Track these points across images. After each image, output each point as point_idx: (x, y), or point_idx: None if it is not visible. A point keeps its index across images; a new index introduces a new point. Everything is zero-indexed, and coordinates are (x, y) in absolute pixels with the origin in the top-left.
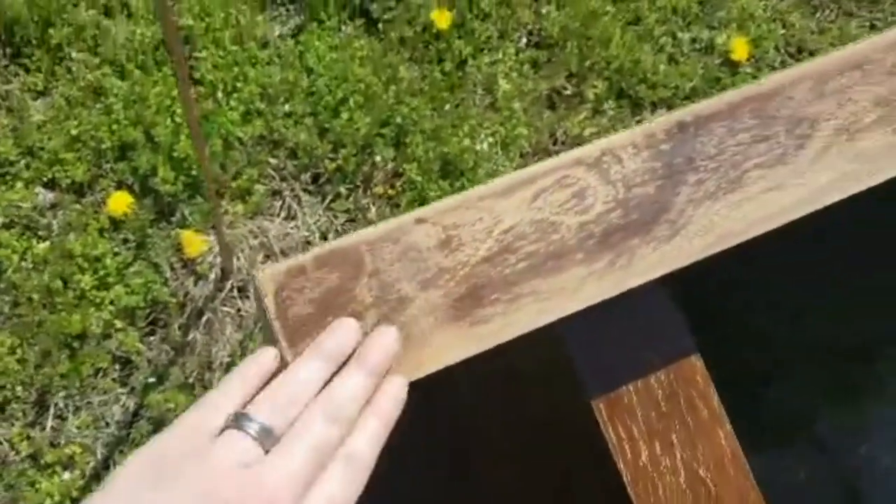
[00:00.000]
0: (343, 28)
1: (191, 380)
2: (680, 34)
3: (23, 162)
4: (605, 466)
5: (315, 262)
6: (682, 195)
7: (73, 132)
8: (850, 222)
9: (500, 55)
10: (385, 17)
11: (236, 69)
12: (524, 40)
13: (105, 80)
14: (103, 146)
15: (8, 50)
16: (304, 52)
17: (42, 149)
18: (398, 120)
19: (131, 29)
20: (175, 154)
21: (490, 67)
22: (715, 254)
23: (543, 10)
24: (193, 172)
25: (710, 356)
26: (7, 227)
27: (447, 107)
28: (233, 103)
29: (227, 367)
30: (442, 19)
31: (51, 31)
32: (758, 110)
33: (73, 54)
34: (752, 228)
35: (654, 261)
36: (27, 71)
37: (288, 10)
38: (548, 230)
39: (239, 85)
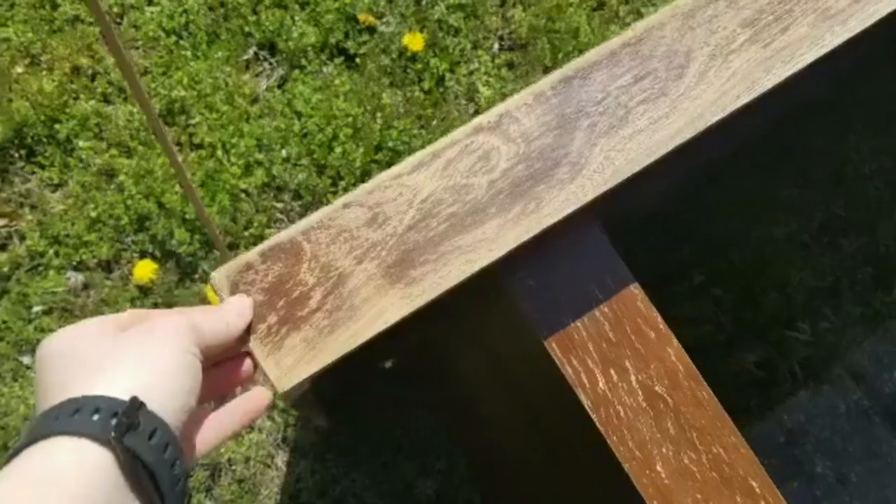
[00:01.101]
0: (324, 69)
1: None
2: (644, 9)
3: (51, 251)
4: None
5: (261, 257)
6: (577, 140)
7: (93, 214)
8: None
9: (477, 64)
10: (361, 50)
11: (231, 127)
12: (496, 46)
13: (114, 162)
14: (122, 222)
15: (22, 151)
16: (292, 99)
17: (67, 235)
18: (389, 144)
19: (129, 109)
20: (187, 216)
21: (468, 78)
22: (619, 184)
23: (510, 14)
24: (206, 231)
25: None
26: (46, 313)
27: (434, 122)
28: (233, 159)
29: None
30: (415, 42)
31: (57, 126)
32: (634, 54)
33: (80, 144)
34: (646, 156)
35: (561, 201)
36: (42, 167)
37: (271, 64)
38: (462, 192)
39: (235, 141)
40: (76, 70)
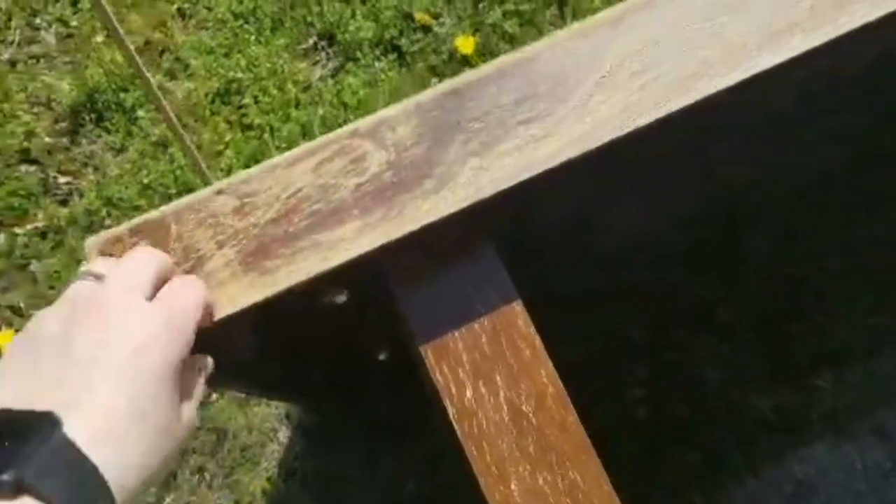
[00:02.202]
0: (376, 64)
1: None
2: None
3: (104, 211)
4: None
5: (130, 232)
6: (450, 154)
7: (145, 181)
8: None
9: None
10: (413, 48)
11: (280, 112)
12: None
13: (168, 134)
14: (170, 191)
15: (93, 115)
16: (341, 90)
17: (120, 198)
18: None
19: (188, 87)
20: None
21: None
22: (483, 199)
23: (568, 23)
24: None
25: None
26: None
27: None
28: (277, 142)
29: None
30: (466, 45)
31: (123, 95)
32: (524, 73)
33: (141, 114)
34: (515, 175)
35: (423, 211)
36: (108, 132)
37: (328, 54)
38: (329, 192)
39: (280, 125)
40: (148, 44)
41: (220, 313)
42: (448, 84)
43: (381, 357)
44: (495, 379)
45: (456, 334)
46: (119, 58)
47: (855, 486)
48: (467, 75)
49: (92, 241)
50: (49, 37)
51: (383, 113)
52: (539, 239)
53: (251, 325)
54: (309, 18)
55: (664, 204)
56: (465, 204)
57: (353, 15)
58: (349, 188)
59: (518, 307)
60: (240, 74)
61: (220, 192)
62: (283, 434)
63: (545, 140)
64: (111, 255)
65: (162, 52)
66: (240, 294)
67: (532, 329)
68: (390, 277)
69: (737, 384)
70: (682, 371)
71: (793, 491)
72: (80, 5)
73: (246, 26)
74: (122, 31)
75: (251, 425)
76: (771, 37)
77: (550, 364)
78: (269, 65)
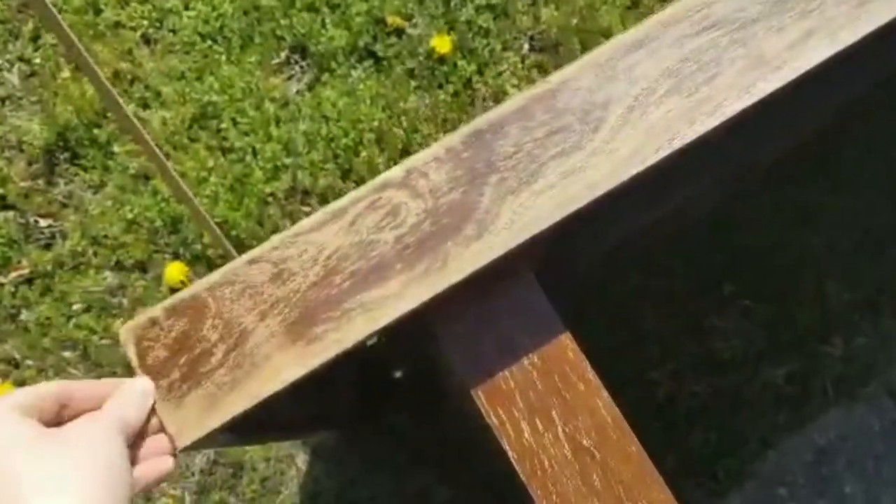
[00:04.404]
0: (352, 73)
1: None
2: None
3: (91, 251)
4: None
5: (166, 313)
6: (486, 195)
7: (129, 216)
8: None
9: (505, 66)
10: (388, 53)
11: (260, 132)
12: (527, 47)
13: (149, 165)
14: (155, 224)
15: (66, 154)
16: (320, 102)
17: (105, 236)
18: (413, 148)
19: (163, 115)
20: (215, 220)
21: (496, 80)
22: (527, 240)
23: (541, 13)
24: (234, 233)
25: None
26: (86, 311)
27: (461, 125)
28: (261, 163)
29: None
30: (443, 44)
31: (96, 131)
32: (549, 107)
33: (116, 148)
34: (555, 212)
35: (467, 258)
36: (85, 169)
37: (302, 67)
38: (367, 249)
39: (262, 146)
40: (116, 74)
41: (267, 390)
42: (473, 124)
43: (407, 377)
44: (552, 415)
45: (507, 373)
46: (89, 92)
47: (874, 448)
48: (491, 114)
49: (128, 328)
50: (12, 77)
51: (411, 160)
52: (577, 254)
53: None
54: (278, 32)
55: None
56: (510, 247)
57: (324, 24)
58: (388, 242)
59: (566, 339)
60: (214, 97)
61: (252, 261)
62: (301, 459)
63: (581, 172)
64: (150, 343)
65: (132, 81)
66: (288, 366)
67: (583, 359)
68: (433, 321)
69: (749, 357)
70: (695, 348)
71: (813, 459)
72: (40, 41)
73: (215, 46)
74: (92, 61)
75: (268, 455)
76: (793, 45)
77: (606, 393)
78: (242, 84)
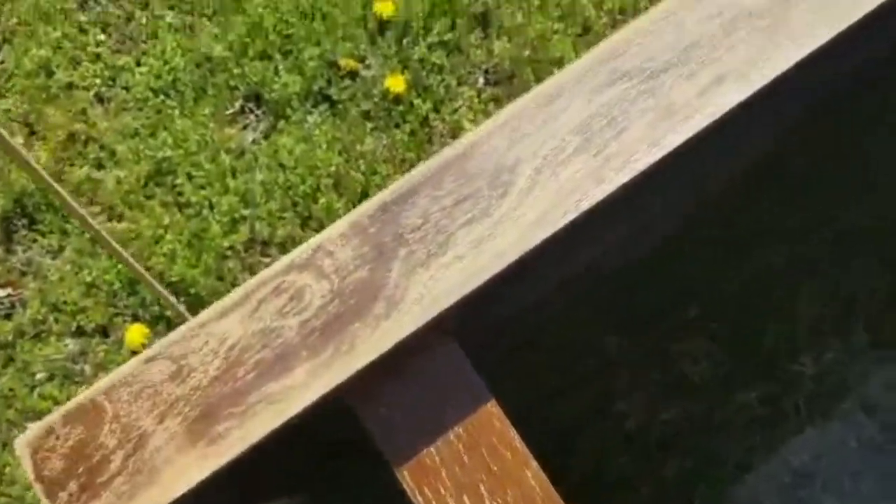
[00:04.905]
0: (308, 118)
1: None
2: None
3: (51, 318)
4: None
5: (62, 420)
6: (394, 271)
7: (88, 280)
8: None
9: (461, 102)
10: (343, 96)
11: (217, 185)
12: (482, 81)
13: (105, 227)
14: (114, 287)
15: (24, 220)
16: (276, 150)
17: (64, 302)
18: (372, 190)
19: (117, 175)
20: (173, 279)
21: (453, 116)
22: (438, 314)
23: (493, 46)
24: (193, 291)
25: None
26: (49, 380)
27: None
28: (218, 217)
29: None
30: (396, 84)
31: (50, 196)
32: (458, 172)
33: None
34: (466, 283)
35: (377, 339)
36: (43, 235)
37: (257, 116)
38: (271, 337)
39: (218, 199)
40: (71, 137)
41: (169, 495)
42: (379, 197)
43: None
44: (480, 490)
45: (432, 449)
46: (42, 157)
47: (851, 465)
48: (399, 184)
49: (24, 439)
50: None
51: (318, 238)
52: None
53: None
54: (231, 82)
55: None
56: (421, 323)
57: (277, 72)
58: (293, 328)
59: (493, 407)
60: (169, 153)
61: (150, 359)
62: None
63: (490, 241)
64: (47, 454)
65: (86, 142)
66: (190, 469)
67: (510, 428)
68: (353, 403)
69: (719, 380)
70: (663, 375)
71: (791, 481)
72: None
73: (167, 101)
74: (26, 154)
75: None
76: (703, 92)
77: (534, 462)
78: (197, 137)
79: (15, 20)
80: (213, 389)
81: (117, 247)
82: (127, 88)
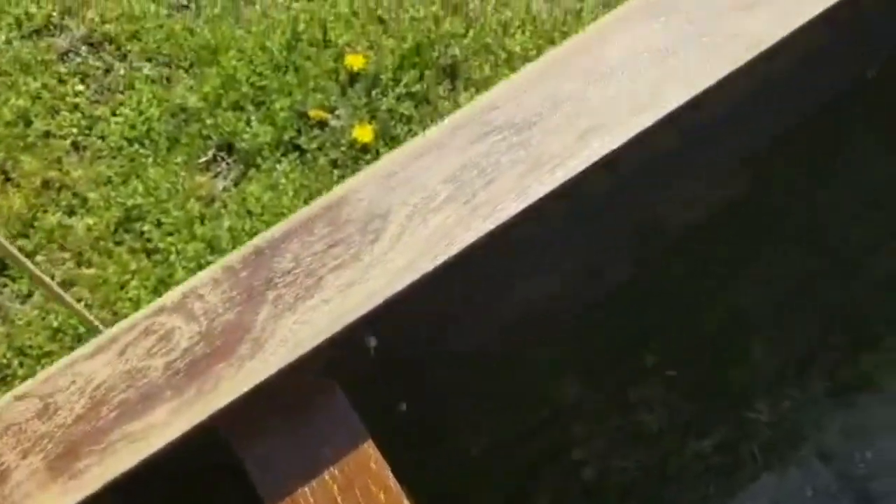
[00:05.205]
0: (277, 167)
1: None
2: None
3: (16, 362)
4: None
5: None
6: (262, 314)
7: (54, 325)
8: None
9: None
10: (312, 145)
11: (185, 231)
12: None
13: (73, 272)
14: (79, 331)
15: None
16: (245, 198)
17: (30, 346)
18: None
19: (87, 222)
20: None
21: None
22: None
23: (461, 99)
24: None
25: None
26: None
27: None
28: (184, 262)
29: None
30: (364, 134)
31: (22, 241)
32: (331, 219)
33: (39, 258)
34: (332, 325)
35: (240, 379)
36: (13, 280)
37: (228, 164)
38: (137, 377)
39: (183, 246)
40: (45, 184)
41: None
42: (253, 243)
43: None
44: None
45: (306, 489)
46: (15, 203)
47: None
48: (273, 230)
49: None
50: None
51: (190, 282)
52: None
53: None
54: (205, 132)
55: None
56: (285, 363)
57: (249, 122)
58: (158, 369)
59: (369, 448)
60: (139, 200)
61: (20, 397)
62: None
63: (358, 285)
64: None
65: (59, 189)
66: (50, 503)
67: (386, 469)
68: (230, 437)
69: (677, 427)
70: (621, 422)
71: None
72: None
73: (141, 150)
74: None
75: None
76: (569, 145)
77: (407, 502)
78: (168, 185)
79: None
80: (77, 427)
81: (66, 298)
82: (102, 137)
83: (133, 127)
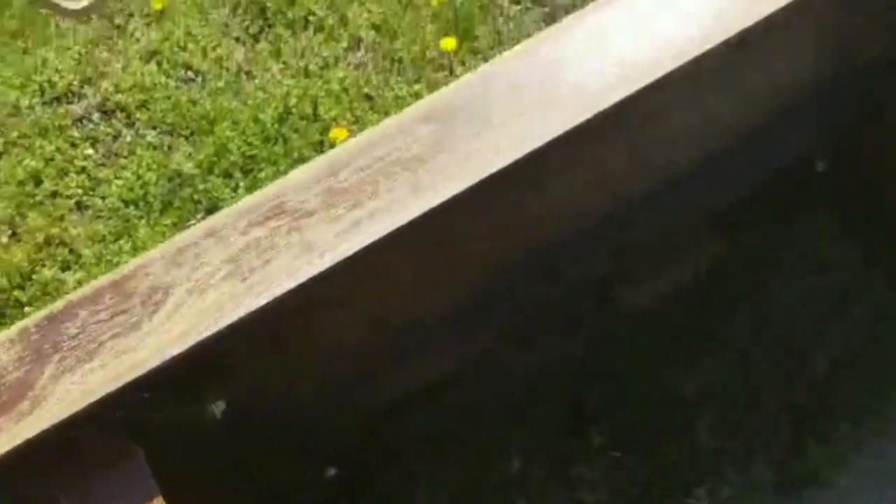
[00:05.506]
0: None
1: None
2: None
3: None
4: None
5: None
6: (46, 373)
7: None
8: None
9: None
10: None
11: None
12: None
13: None
14: None
15: None
16: None
17: None
18: None
19: (77, 277)
20: None
21: None
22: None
23: None
24: None
25: None
26: None
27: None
28: None
29: None
30: None
31: (17, 293)
32: (118, 291)
33: (27, 309)
34: (105, 387)
35: (14, 433)
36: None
37: None
38: None
39: None
40: (47, 240)
41: None
42: (51, 307)
43: None
44: None
45: None
46: (17, 257)
47: None
48: (70, 296)
49: None
50: None
51: None
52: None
53: None
54: (196, 196)
55: None
56: (58, 420)
57: (236, 188)
58: None
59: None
60: (126, 258)
61: None
62: None
63: (133, 352)
64: None
65: (58, 245)
66: None
67: None
68: (28, 489)
69: None
70: (563, 500)
71: None
72: None
73: (135, 211)
74: None
75: None
76: (341, 233)
77: None
78: (153, 245)
79: (16, 133)
80: None
81: None
82: (103, 198)
83: (131, 189)
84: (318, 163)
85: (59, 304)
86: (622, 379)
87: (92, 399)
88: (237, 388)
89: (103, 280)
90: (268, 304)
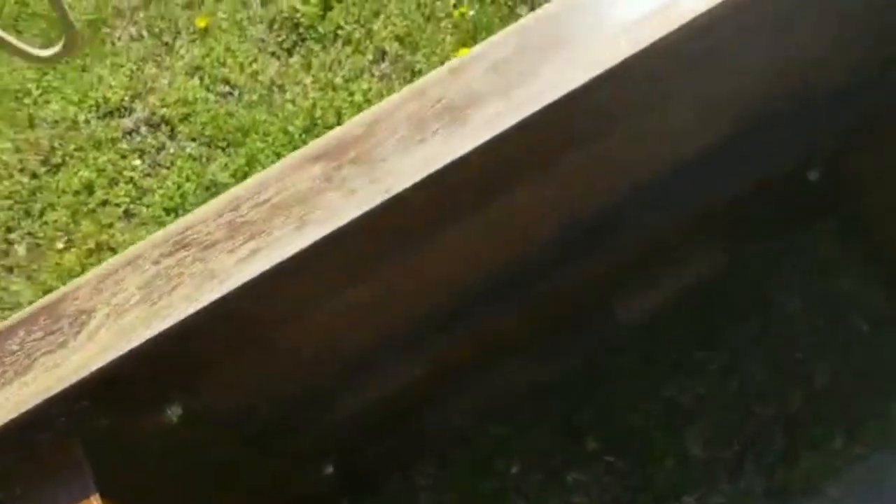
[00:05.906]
0: None
1: None
2: None
3: None
4: None
5: None
6: None
7: None
8: None
9: None
10: None
11: None
12: None
13: None
14: None
15: None
16: None
17: None
18: None
19: None
20: None
21: None
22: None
23: None
24: None
25: None
26: None
27: None
28: None
29: None
30: None
31: None
32: (51, 313)
33: None
34: (34, 398)
35: None
36: None
37: None
38: None
39: None
40: (98, 246)
41: None
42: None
43: None
44: None
45: None
46: (70, 261)
47: None
48: (12, 317)
49: None
50: (20, 248)
51: None
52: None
53: None
54: None
55: None
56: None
57: None
58: None
59: (94, 501)
60: None
61: None
62: None
63: (57, 368)
64: None
65: (107, 250)
66: None
67: None
68: None
69: None
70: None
71: None
72: (45, 217)
73: (174, 219)
74: None
75: None
76: (240, 261)
77: None
78: None
79: (73, 146)
80: None
81: None
82: (148, 206)
83: (171, 198)
84: (221, 199)
85: (4, 324)
86: (617, 386)
87: (23, 409)
88: (177, 397)
89: (39, 303)
90: (171, 326)
